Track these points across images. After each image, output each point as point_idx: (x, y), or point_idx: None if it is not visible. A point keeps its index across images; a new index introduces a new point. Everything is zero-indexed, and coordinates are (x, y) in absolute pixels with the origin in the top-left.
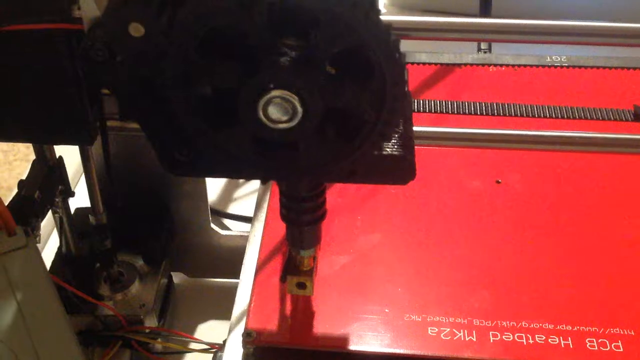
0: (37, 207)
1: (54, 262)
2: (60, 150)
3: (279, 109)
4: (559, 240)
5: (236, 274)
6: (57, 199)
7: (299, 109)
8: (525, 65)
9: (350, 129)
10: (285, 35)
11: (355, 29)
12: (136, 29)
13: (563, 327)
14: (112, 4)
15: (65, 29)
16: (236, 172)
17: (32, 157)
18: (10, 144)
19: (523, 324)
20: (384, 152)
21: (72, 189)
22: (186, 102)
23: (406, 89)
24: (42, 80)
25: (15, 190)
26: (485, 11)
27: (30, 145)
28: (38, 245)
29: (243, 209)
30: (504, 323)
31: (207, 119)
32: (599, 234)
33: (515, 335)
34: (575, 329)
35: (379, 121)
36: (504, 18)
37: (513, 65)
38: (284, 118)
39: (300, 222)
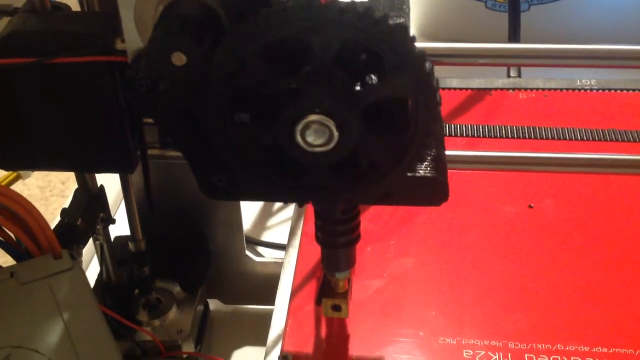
0: (79, 233)
1: (94, 289)
2: (99, 177)
3: (315, 133)
4: (592, 263)
5: (270, 300)
6: (98, 227)
7: (335, 132)
8: (555, 89)
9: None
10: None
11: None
12: (179, 58)
13: (599, 350)
14: (155, 35)
15: (109, 61)
16: (274, 196)
17: (68, 192)
18: (46, 180)
19: (558, 346)
20: (417, 174)
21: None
22: (224, 130)
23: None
24: (85, 111)
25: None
26: (514, 36)
27: (65, 181)
28: None
29: (277, 236)
30: (539, 346)
31: (244, 147)
32: (633, 256)
33: (551, 358)
34: (611, 351)
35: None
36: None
37: (543, 89)
38: (322, 141)
39: (336, 244)
